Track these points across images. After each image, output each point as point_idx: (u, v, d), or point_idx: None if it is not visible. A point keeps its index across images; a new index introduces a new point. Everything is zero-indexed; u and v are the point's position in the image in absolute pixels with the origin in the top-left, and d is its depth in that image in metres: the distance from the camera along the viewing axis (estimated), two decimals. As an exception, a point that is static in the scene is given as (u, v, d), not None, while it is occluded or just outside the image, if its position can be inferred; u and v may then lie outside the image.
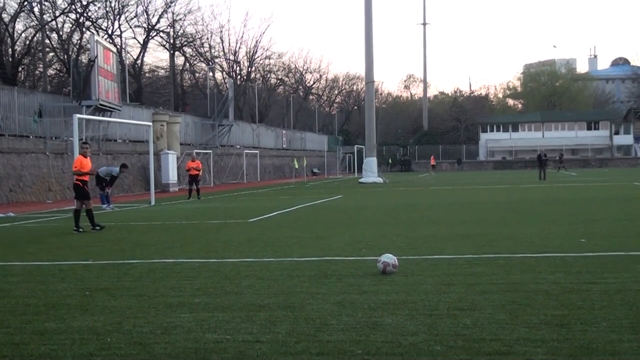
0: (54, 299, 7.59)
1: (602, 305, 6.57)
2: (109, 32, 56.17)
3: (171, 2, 59.91)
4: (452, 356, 5.09)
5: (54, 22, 50.50)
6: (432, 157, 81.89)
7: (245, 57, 76.58)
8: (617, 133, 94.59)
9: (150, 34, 60.23)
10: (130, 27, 58.83)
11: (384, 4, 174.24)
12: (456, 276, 8.34)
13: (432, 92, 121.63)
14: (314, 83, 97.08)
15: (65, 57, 50.19)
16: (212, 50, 71.64)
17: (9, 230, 17.26)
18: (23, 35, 50.50)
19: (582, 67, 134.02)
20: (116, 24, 57.25)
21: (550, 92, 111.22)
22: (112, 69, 36.04)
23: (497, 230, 13.56)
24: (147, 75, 68.77)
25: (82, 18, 51.91)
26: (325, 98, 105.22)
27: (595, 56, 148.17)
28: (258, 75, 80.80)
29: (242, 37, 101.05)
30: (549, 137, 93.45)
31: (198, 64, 71.24)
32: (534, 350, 5.15)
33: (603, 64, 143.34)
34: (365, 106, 53.72)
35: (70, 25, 52.84)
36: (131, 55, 59.55)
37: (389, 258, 8.66)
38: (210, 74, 62.91)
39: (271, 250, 11.38)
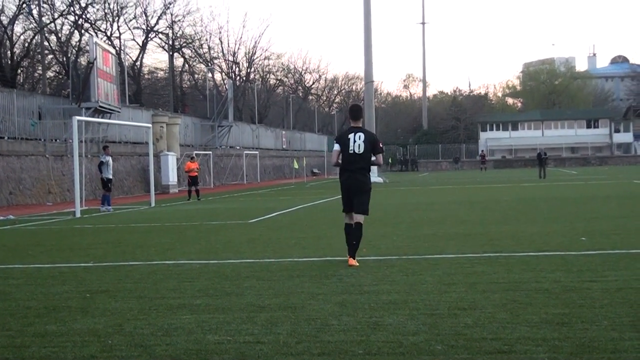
0: (55, 302, 7.59)
1: (603, 303, 6.56)
2: (108, 33, 56.25)
3: (170, 4, 60.00)
4: (453, 355, 5.08)
5: (52, 25, 50.52)
6: None
7: (245, 58, 76.67)
8: (617, 131, 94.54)
9: (149, 35, 60.33)
10: (129, 29, 58.93)
11: (383, 4, 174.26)
12: (457, 275, 8.34)
13: (431, 92, 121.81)
14: (314, 83, 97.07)
15: (64, 59, 50.19)
16: (211, 52, 71.72)
17: (9, 233, 17.26)
18: (22, 37, 50.59)
19: (581, 66, 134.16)
20: (115, 25, 57.40)
21: (550, 90, 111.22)
22: (111, 70, 36.05)
23: (498, 229, 13.55)
24: (146, 76, 68.81)
25: (80, 20, 51.95)
26: (325, 98, 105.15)
27: (595, 54, 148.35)
28: (257, 76, 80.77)
29: (241, 38, 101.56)
30: (548, 135, 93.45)
31: (197, 65, 71.32)
32: (535, 349, 5.14)
33: (602, 62, 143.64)
34: (365, 106, 53.62)
35: (69, 28, 52.93)
36: (130, 56, 59.65)
37: None
38: (210, 75, 62.92)
39: (272, 250, 11.37)
